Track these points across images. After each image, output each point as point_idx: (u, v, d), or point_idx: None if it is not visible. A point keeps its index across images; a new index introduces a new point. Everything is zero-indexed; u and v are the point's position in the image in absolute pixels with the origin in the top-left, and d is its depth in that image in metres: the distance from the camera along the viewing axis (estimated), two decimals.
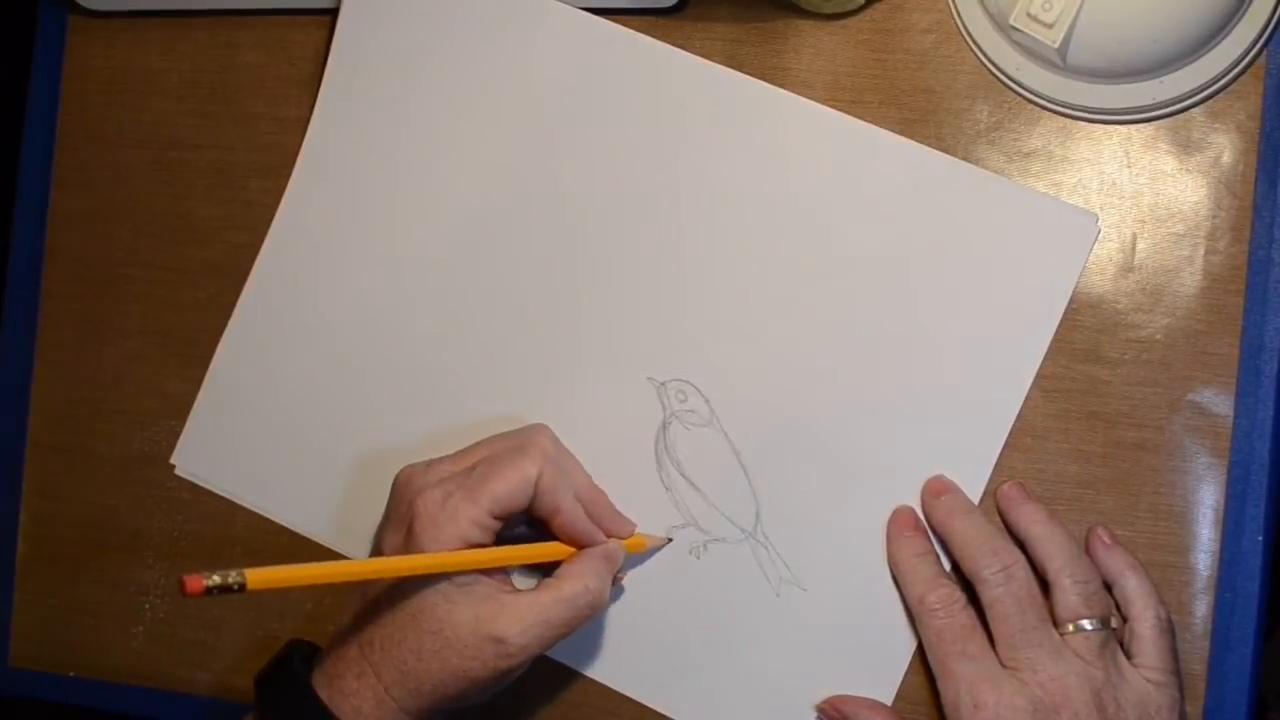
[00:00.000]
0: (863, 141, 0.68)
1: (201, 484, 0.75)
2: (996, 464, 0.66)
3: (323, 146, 0.74)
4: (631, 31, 0.70)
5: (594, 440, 0.69)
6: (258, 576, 0.56)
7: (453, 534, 0.62)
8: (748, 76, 0.69)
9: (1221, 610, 0.65)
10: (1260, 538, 0.65)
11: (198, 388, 0.76)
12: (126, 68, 0.78)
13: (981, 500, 0.66)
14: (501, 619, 0.62)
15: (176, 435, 0.76)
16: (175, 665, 0.76)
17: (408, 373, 0.72)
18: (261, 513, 0.74)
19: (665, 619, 0.69)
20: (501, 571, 0.64)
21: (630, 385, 0.69)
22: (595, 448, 0.69)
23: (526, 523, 0.67)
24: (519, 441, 0.65)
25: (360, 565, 0.64)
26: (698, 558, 0.69)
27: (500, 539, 0.64)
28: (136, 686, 0.77)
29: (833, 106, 0.69)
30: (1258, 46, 0.65)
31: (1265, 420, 0.65)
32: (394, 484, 0.65)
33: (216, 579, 0.55)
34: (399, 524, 0.64)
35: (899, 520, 0.66)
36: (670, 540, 0.69)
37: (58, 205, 0.79)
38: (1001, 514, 0.66)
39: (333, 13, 0.74)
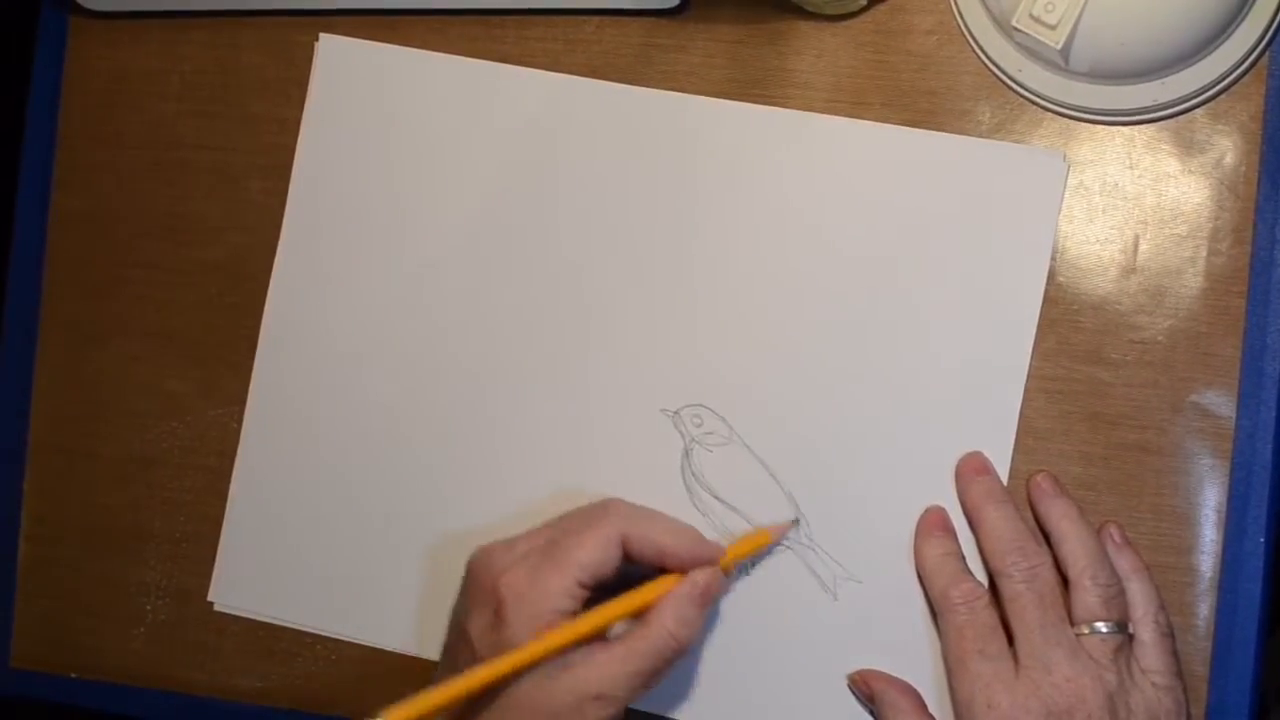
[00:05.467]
0: (832, 134, 0.69)
1: (243, 614, 0.75)
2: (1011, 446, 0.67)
3: (307, 210, 0.75)
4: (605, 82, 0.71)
5: (621, 483, 0.69)
6: (397, 715, 0.59)
7: (545, 609, 0.61)
8: (707, 97, 0.70)
9: (1224, 611, 0.65)
10: (1262, 539, 0.65)
11: (198, 388, 0.76)
12: (127, 68, 0.77)
13: (1008, 469, 0.66)
14: (597, 678, 0.61)
15: (177, 436, 0.76)
16: (176, 666, 0.76)
17: (421, 447, 0.73)
18: (308, 629, 0.74)
19: (723, 641, 0.68)
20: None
21: (645, 422, 0.70)
22: (623, 491, 0.69)
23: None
24: (593, 511, 0.65)
25: (488, 670, 0.61)
26: (747, 574, 0.68)
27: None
28: (137, 687, 0.77)
29: (835, 108, 0.69)
30: (1260, 48, 0.65)
31: (1267, 422, 0.65)
32: (470, 566, 0.64)
33: None
34: (483, 606, 0.63)
35: (928, 520, 0.66)
36: (796, 521, 0.68)
37: (58, 205, 0.79)
38: (1031, 504, 0.66)
39: (333, 13, 0.74)
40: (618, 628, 0.64)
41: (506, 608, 0.61)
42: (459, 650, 0.63)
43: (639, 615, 0.63)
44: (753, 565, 0.68)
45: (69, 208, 0.79)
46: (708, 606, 0.64)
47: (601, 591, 0.63)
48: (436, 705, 0.60)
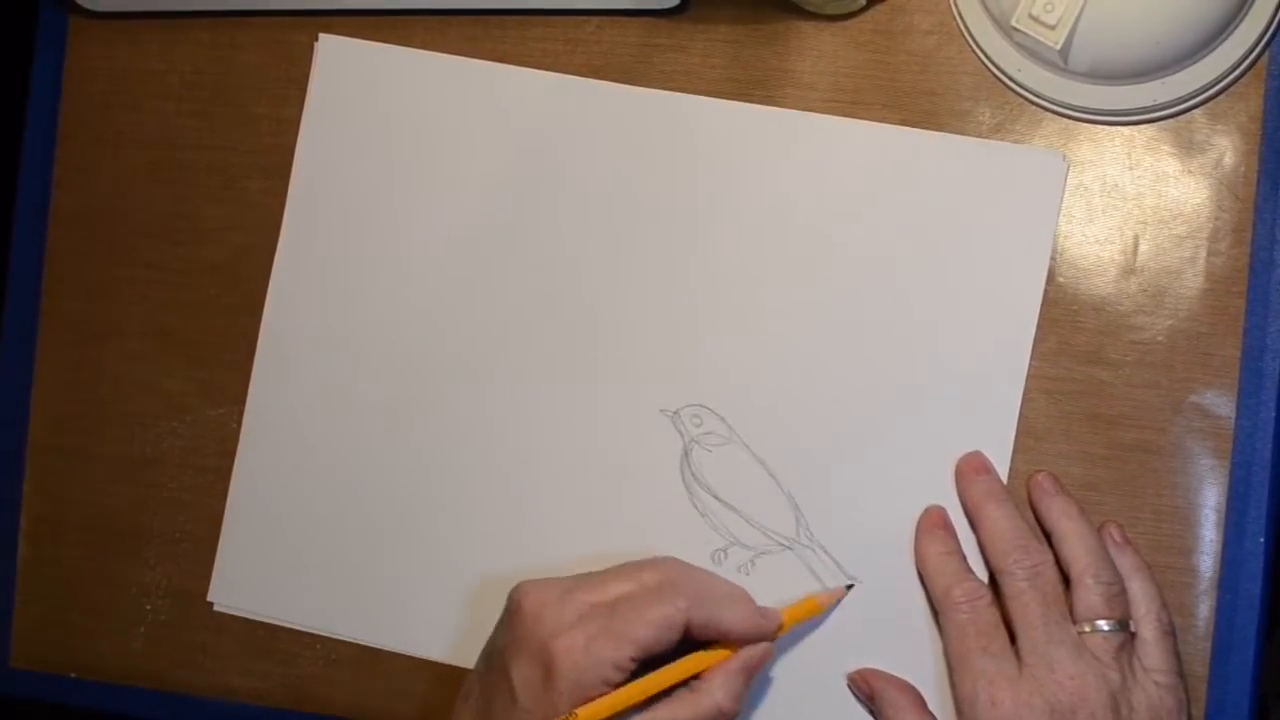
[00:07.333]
0: (832, 134, 0.69)
1: (243, 615, 0.75)
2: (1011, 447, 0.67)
3: (306, 210, 0.75)
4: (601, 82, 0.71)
5: (621, 484, 0.70)
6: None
7: (597, 680, 0.60)
8: (706, 98, 0.70)
9: (1223, 612, 0.65)
10: (1262, 539, 0.65)
11: (198, 388, 0.76)
12: (127, 68, 0.77)
13: (1008, 469, 0.66)
14: None
15: (177, 436, 0.76)
16: (176, 666, 0.76)
17: (421, 447, 0.72)
18: (308, 629, 0.74)
19: None
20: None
21: (644, 422, 0.70)
22: (623, 491, 0.70)
23: None
24: (656, 578, 0.63)
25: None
26: (747, 574, 0.68)
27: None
28: (137, 687, 0.77)
29: (834, 108, 0.69)
30: (1259, 48, 0.65)
31: (1267, 422, 0.65)
32: (516, 607, 0.63)
33: None
34: (532, 660, 0.61)
35: (929, 519, 0.66)
36: (851, 586, 0.67)
37: (58, 205, 0.79)
38: (1032, 503, 0.66)
39: (333, 13, 0.74)
40: None
41: (558, 671, 0.60)
42: (496, 688, 0.62)
43: (684, 681, 0.63)
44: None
45: (69, 208, 0.79)
46: (754, 678, 0.64)
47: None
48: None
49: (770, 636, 0.64)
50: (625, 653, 0.61)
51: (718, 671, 0.63)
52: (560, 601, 0.62)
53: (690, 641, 0.63)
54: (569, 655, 0.61)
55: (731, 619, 0.63)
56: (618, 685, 0.61)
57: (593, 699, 0.60)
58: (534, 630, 0.62)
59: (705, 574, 0.65)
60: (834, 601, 0.67)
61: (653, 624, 0.61)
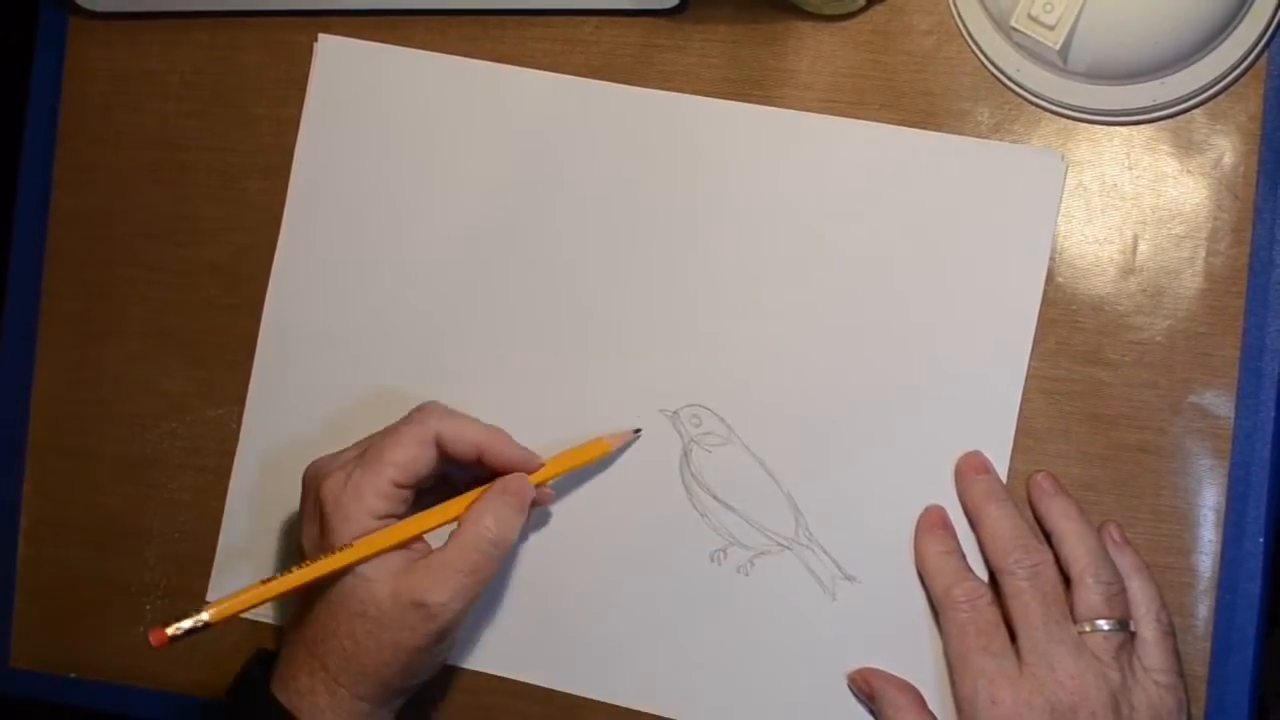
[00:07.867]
0: (831, 135, 0.69)
1: (244, 615, 0.75)
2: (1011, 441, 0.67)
3: (306, 210, 0.75)
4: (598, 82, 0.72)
5: (619, 483, 0.70)
6: (218, 611, 0.64)
7: (359, 510, 0.64)
8: (705, 98, 0.70)
9: (1223, 612, 0.65)
10: (1261, 539, 0.65)
11: (198, 388, 0.76)
12: (127, 69, 0.77)
13: (1007, 469, 0.66)
14: (417, 584, 0.63)
15: (177, 436, 0.76)
16: (176, 666, 0.76)
17: None
18: None
19: (722, 641, 0.69)
20: (420, 541, 0.66)
21: (644, 422, 0.70)
22: (621, 489, 0.70)
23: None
24: (410, 414, 0.67)
25: (301, 573, 0.64)
26: (746, 575, 0.69)
27: (422, 506, 0.66)
28: (137, 687, 0.77)
29: (833, 108, 0.69)
30: (1258, 48, 0.65)
31: (1266, 422, 0.65)
32: (303, 480, 0.67)
33: (186, 625, 0.63)
34: (312, 515, 0.66)
35: (928, 519, 0.67)
36: (638, 431, 0.69)
37: (58, 205, 0.79)
38: (1031, 503, 0.66)
39: (332, 13, 0.74)
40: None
41: (326, 515, 0.64)
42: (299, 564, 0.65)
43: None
44: (747, 562, 0.69)
45: (69, 208, 0.79)
46: (524, 510, 0.66)
47: (429, 501, 0.66)
48: (248, 604, 0.64)
49: (532, 468, 0.67)
50: (384, 477, 0.64)
51: (478, 501, 0.65)
52: (330, 458, 0.67)
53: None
54: (331, 493, 0.64)
55: (480, 432, 0.66)
56: (391, 517, 0.64)
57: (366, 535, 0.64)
58: (308, 489, 0.66)
59: (462, 413, 0.67)
60: (623, 444, 0.69)
61: (402, 442, 0.65)
